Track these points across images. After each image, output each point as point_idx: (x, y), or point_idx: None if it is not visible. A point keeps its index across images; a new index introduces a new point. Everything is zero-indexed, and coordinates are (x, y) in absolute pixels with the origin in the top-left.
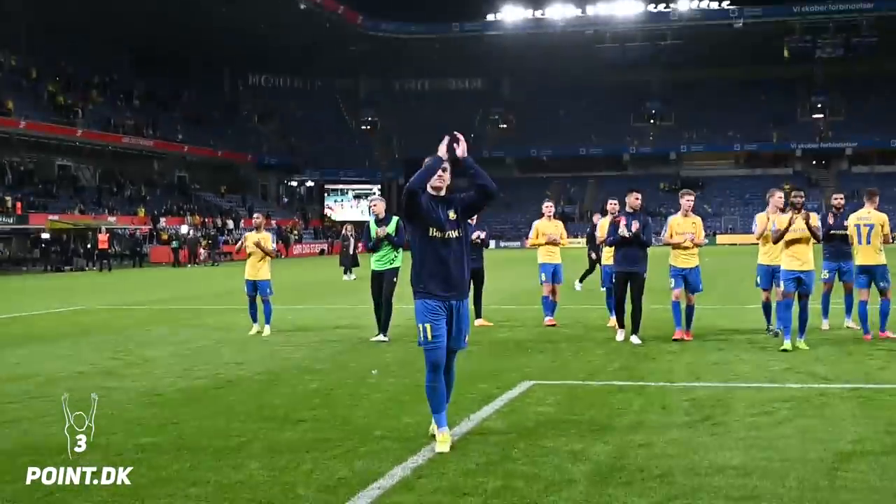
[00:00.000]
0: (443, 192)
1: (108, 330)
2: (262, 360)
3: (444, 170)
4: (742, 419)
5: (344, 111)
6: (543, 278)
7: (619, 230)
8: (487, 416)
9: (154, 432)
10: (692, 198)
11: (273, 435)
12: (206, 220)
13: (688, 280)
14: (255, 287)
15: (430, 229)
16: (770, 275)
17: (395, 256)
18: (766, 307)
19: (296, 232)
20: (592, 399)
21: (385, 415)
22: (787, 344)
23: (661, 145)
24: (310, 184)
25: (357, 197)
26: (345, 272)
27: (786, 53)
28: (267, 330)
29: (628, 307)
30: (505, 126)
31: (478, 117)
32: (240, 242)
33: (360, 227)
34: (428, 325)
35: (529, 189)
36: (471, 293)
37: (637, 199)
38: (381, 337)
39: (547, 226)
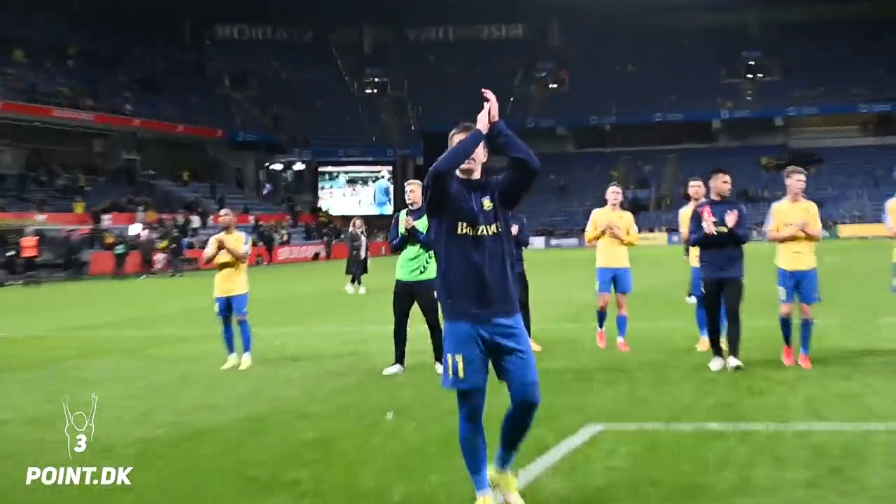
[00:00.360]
0: (476, 175)
1: (38, 364)
2: (241, 402)
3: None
4: (881, 472)
5: (343, 70)
6: (598, 287)
7: (704, 225)
8: (542, 472)
9: (103, 500)
10: (803, 178)
11: (258, 501)
12: (164, 216)
13: (801, 286)
14: (229, 305)
15: (459, 224)
16: None
17: (429, 262)
18: None
19: (283, 231)
20: (680, 448)
21: (405, 473)
22: None
23: (762, 108)
24: (299, 167)
25: (351, 182)
26: (351, 282)
27: None
28: (246, 360)
29: (723, 324)
30: (556, 86)
31: (519, 75)
32: (207, 249)
33: (388, 220)
34: (458, 357)
35: (589, 168)
36: None
37: (725, 182)
38: (438, 367)
39: (609, 216)
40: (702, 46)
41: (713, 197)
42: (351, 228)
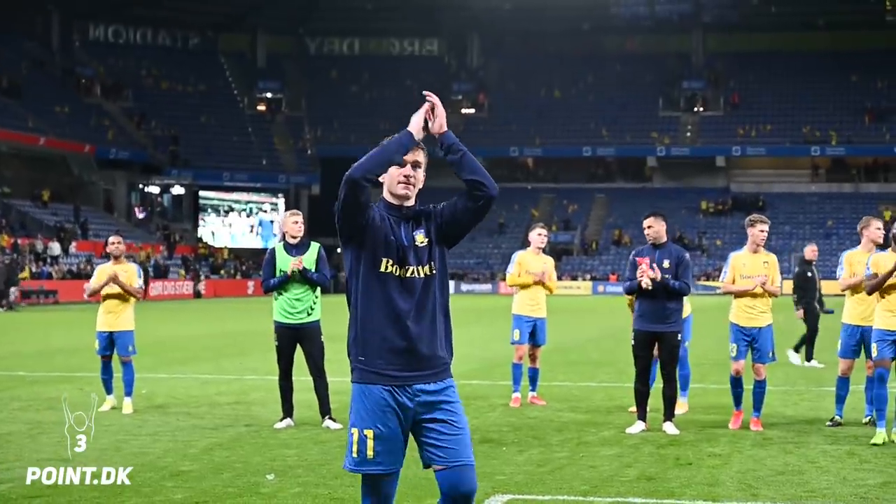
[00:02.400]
0: (410, 202)
1: None
2: (101, 457)
3: (413, 165)
4: None
5: (232, 83)
6: (517, 337)
7: (639, 275)
8: None
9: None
10: (766, 228)
11: None
12: (20, 240)
13: (755, 345)
14: (111, 342)
15: (383, 261)
16: (858, 339)
17: (316, 302)
18: (842, 384)
19: (179, 268)
20: None
21: None
22: (881, 435)
23: (703, 145)
24: (177, 190)
25: (231, 210)
26: None
27: (889, 14)
28: (128, 405)
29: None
30: (472, 111)
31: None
32: (93, 279)
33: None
34: (368, 432)
35: (507, 205)
36: None
37: (650, 226)
38: (329, 423)
39: (534, 261)
40: (637, 74)
41: (652, 242)
42: None
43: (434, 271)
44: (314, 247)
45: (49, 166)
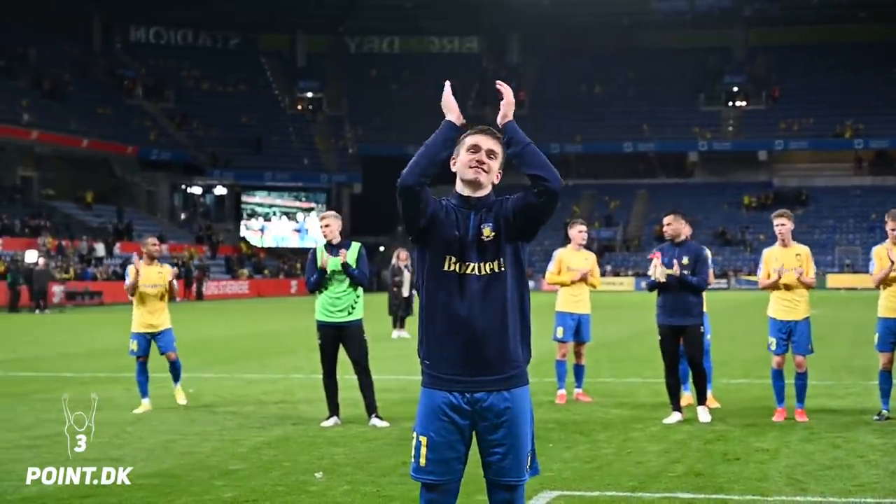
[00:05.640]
0: (482, 192)
1: None
2: (150, 457)
3: (488, 153)
4: None
5: (273, 83)
6: (560, 334)
7: (651, 271)
8: None
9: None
10: (784, 221)
11: None
12: (64, 241)
13: (793, 337)
14: (149, 343)
15: (446, 259)
16: (895, 331)
17: (357, 301)
18: (885, 378)
19: (243, 270)
20: None
21: None
22: None
23: (745, 140)
24: (220, 191)
25: (273, 214)
26: (394, 324)
27: None
28: (181, 396)
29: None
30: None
31: (473, 94)
32: (128, 279)
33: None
34: (423, 439)
35: None
36: None
37: (669, 224)
38: (376, 421)
39: (575, 257)
40: (678, 69)
41: (670, 240)
42: (393, 261)
43: (504, 268)
44: (355, 246)
45: (92, 168)
